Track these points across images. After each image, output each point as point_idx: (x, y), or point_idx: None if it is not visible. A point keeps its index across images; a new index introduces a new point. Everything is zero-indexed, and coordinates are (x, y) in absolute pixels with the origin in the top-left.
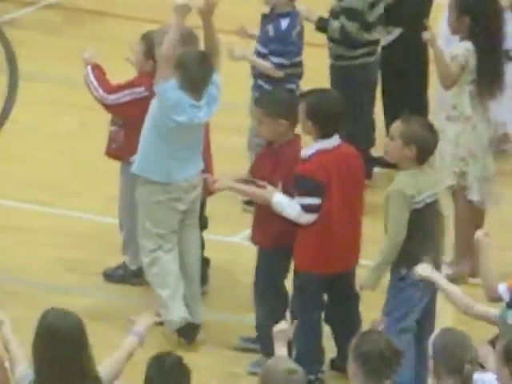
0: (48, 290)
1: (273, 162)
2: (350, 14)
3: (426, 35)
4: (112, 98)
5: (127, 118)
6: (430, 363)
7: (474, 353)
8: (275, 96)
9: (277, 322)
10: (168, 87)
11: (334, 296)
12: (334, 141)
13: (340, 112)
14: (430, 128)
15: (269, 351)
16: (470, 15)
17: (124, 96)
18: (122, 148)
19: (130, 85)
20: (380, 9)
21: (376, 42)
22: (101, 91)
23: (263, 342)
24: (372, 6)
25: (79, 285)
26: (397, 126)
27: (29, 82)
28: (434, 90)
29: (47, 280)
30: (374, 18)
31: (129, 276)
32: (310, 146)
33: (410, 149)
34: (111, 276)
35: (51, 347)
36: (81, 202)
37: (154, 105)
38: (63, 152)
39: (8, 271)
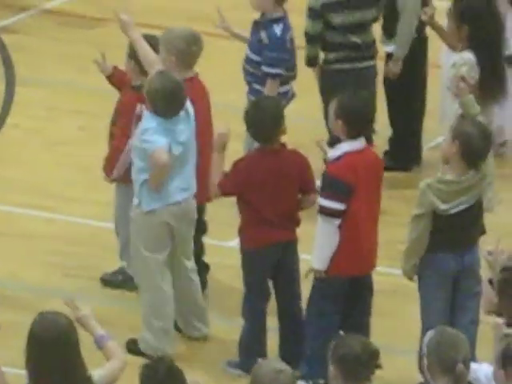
0: (45, 296)
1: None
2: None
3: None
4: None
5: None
6: (424, 362)
7: (467, 352)
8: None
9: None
10: None
11: (353, 298)
12: (362, 143)
13: (370, 113)
14: (483, 130)
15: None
16: (469, 24)
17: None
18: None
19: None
20: (366, 14)
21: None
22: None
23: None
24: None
25: (76, 290)
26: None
27: (26, 87)
28: (437, 98)
29: (44, 285)
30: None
31: (127, 281)
32: (337, 147)
33: (455, 144)
34: (109, 281)
35: (39, 352)
36: (78, 207)
37: None
38: (61, 157)
39: (5, 276)
